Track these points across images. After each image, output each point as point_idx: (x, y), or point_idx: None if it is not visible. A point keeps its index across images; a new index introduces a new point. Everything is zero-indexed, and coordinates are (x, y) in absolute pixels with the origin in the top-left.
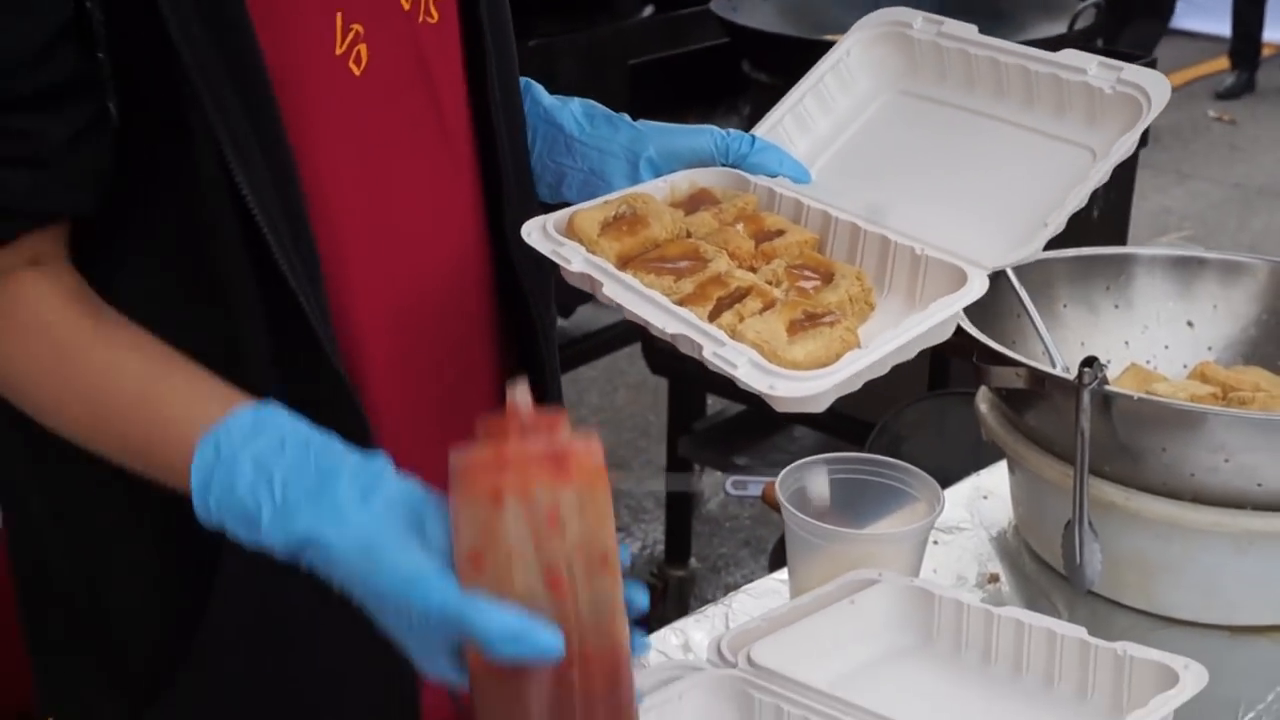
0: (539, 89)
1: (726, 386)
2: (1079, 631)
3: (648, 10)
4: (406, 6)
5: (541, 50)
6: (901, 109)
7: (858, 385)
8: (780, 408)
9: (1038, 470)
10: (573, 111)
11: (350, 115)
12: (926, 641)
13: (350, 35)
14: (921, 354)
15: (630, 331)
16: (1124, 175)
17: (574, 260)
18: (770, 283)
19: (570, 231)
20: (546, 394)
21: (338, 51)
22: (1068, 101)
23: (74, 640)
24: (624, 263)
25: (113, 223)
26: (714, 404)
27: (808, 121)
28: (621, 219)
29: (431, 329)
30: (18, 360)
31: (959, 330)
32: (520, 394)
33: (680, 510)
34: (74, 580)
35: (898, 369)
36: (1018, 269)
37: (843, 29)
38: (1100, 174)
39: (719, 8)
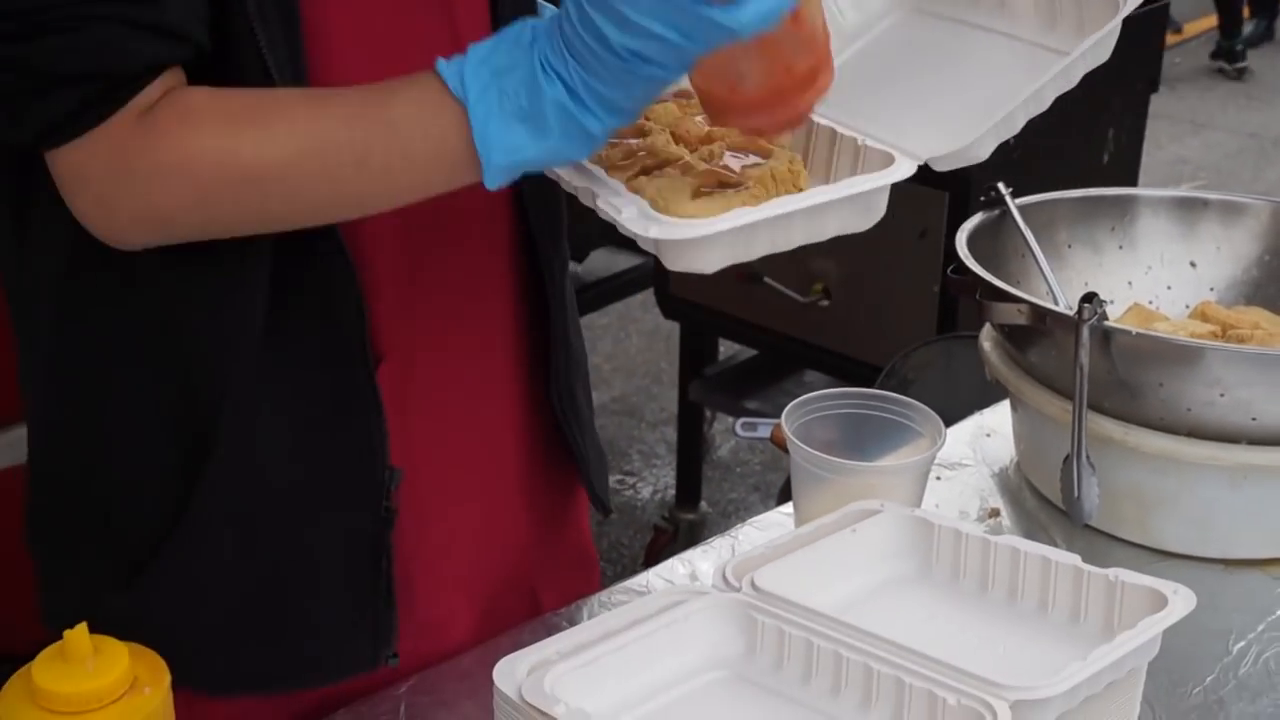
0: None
1: (737, 330)
2: (1073, 559)
3: None
4: None
5: None
6: (911, 25)
7: (755, 250)
8: (667, 258)
9: (1038, 406)
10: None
11: (361, 17)
12: (926, 569)
13: None
14: (929, 297)
15: (643, 277)
16: (1134, 121)
17: None
18: (704, 160)
19: None
20: (551, 333)
21: None
22: (1059, 10)
23: (72, 511)
24: None
25: None
26: (725, 349)
27: None
28: None
29: (439, 238)
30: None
31: (964, 269)
32: None
33: (691, 455)
34: (79, 450)
35: (906, 314)
36: (1023, 210)
37: None
38: (1056, 74)
39: None
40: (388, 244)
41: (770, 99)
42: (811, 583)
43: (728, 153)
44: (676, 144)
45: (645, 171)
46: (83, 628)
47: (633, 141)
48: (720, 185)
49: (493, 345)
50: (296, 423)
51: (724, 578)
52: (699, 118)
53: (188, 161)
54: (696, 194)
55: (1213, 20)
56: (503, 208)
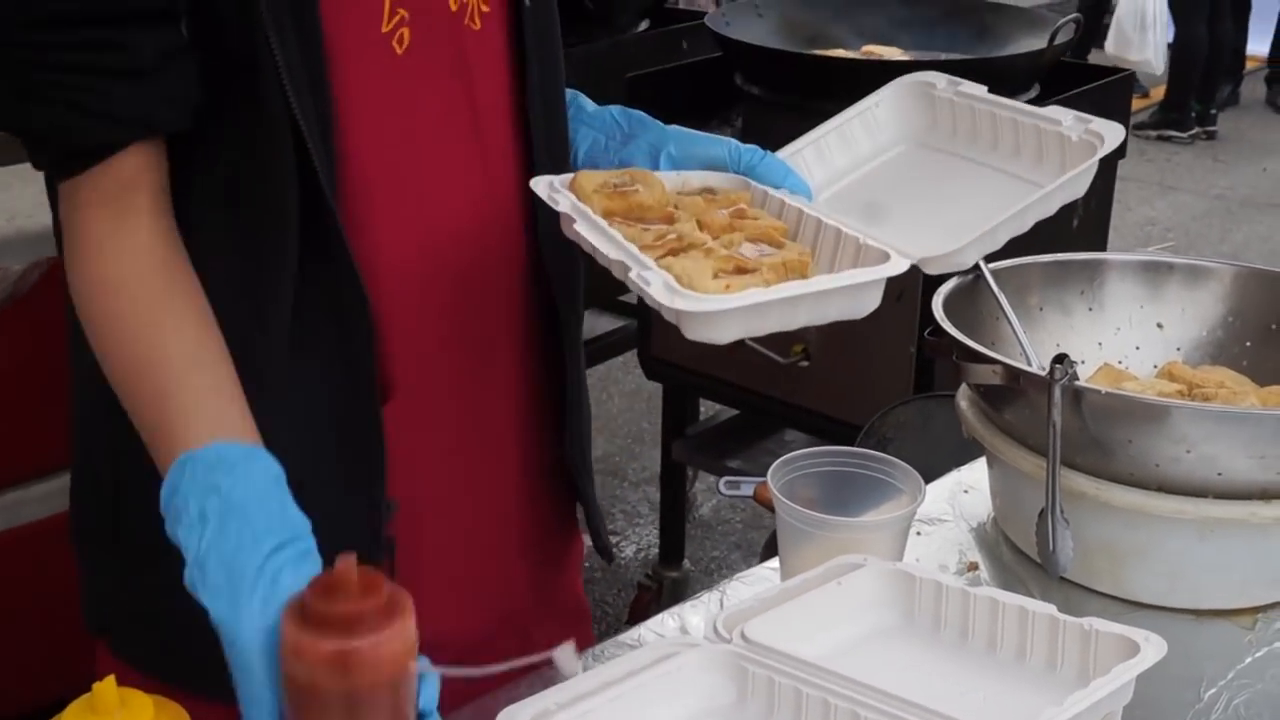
0: (584, 98)
1: (718, 391)
2: (1049, 609)
3: (644, 25)
4: (454, 8)
5: None
6: (915, 157)
7: (765, 327)
8: (686, 328)
9: (1014, 463)
10: (612, 114)
11: (387, 90)
12: (908, 620)
13: (396, 18)
14: (906, 358)
15: (626, 339)
16: (1103, 186)
17: (561, 202)
18: (724, 247)
19: (573, 187)
20: (565, 382)
21: (384, 29)
22: (1045, 149)
23: (101, 513)
24: (607, 217)
25: (180, 153)
26: (707, 409)
27: (827, 155)
28: (620, 185)
29: (453, 296)
30: (97, 307)
31: (941, 332)
32: (345, 563)
33: (674, 514)
34: (114, 452)
35: (884, 374)
36: (996, 274)
37: (832, 45)
38: (1037, 201)
39: (713, 23)
40: (406, 285)
41: None
42: (799, 634)
43: (745, 242)
44: (701, 231)
45: (673, 253)
46: (110, 680)
47: (663, 227)
48: (737, 269)
49: (500, 395)
50: (304, 446)
51: (715, 630)
52: (722, 211)
53: (87, 284)
54: (716, 275)
55: None
56: (521, 273)
